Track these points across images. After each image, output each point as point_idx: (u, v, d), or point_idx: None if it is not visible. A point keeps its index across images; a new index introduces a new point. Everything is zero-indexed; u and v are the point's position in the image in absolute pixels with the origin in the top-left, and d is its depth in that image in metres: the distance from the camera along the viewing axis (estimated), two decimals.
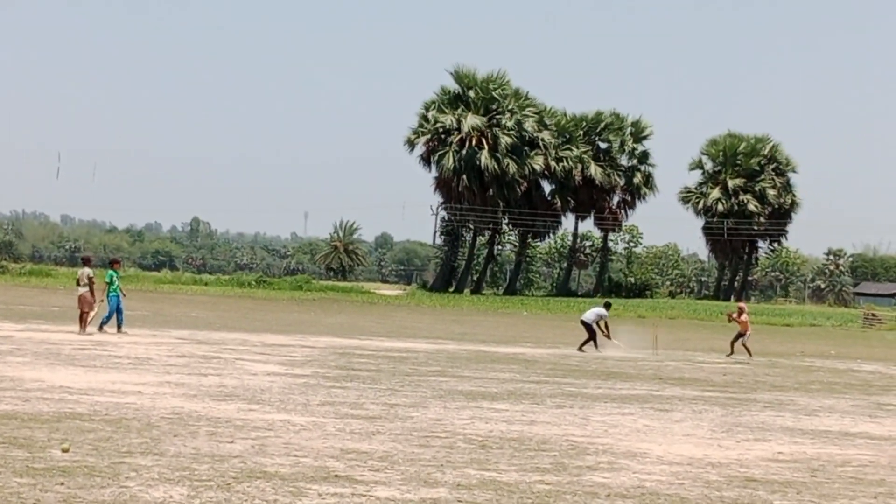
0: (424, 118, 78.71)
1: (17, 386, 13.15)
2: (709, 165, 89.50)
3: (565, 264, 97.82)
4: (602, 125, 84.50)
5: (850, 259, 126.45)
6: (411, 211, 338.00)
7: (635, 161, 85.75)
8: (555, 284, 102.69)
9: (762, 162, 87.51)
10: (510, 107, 78.16)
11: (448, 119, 77.14)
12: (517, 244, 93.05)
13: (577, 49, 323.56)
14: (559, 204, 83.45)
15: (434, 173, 79.08)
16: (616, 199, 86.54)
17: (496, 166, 76.08)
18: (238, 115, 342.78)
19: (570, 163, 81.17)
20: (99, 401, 12.15)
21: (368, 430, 10.89)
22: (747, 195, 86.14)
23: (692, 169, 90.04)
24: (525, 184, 79.29)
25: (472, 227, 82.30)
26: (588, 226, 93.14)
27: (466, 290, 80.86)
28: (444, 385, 16.28)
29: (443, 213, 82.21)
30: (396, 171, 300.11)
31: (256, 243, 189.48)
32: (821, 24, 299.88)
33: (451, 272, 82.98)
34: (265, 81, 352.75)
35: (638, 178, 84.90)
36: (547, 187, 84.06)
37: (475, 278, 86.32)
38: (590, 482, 8.64)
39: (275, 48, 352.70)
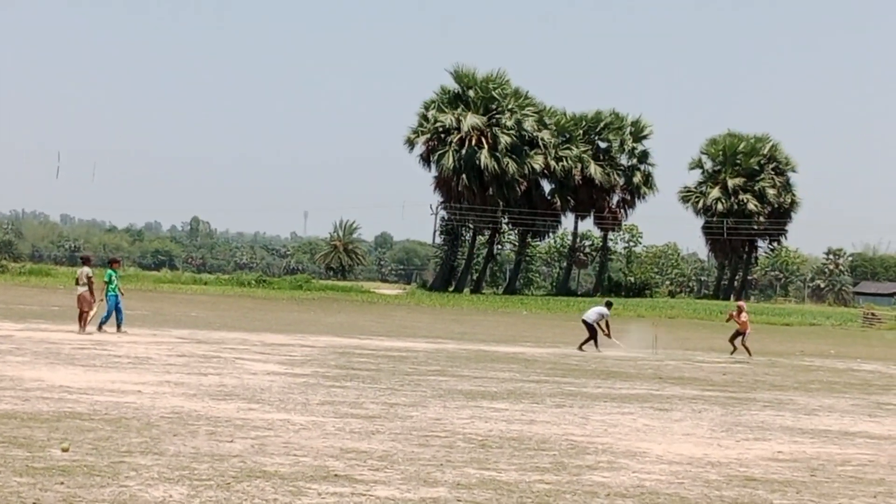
0: (424, 118, 78.69)
1: (17, 385, 13.15)
2: (708, 165, 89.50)
3: (565, 264, 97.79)
4: (602, 125, 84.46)
5: (850, 258, 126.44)
6: (411, 210, 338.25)
7: (635, 160, 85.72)
8: (554, 284, 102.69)
9: (762, 161, 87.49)
10: (510, 106, 78.13)
11: (448, 118, 77.12)
12: (517, 243, 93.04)
13: (577, 49, 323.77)
14: (559, 203, 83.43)
15: (434, 173, 79.11)
16: (616, 199, 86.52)
17: (496, 166, 76.07)
18: (238, 115, 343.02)
19: (570, 162, 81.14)
20: (98, 400, 12.15)
21: (368, 430, 10.89)
22: (747, 194, 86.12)
23: (692, 168, 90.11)
24: (525, 183, 79.27)
25: (471, 226, 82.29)
26: (588, 225, 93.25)
27: (466, 290, 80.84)
28: (443, 384, 16.28)
29: (442, 213, 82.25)
30: (396, 171, 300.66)
31: (256, 243, 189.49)
32: (821, 24, 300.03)
33: (451, 271, 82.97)
34: (265, 81, 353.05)
35: (638, 178, 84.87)
36: (547, 187, 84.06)
37: (475, 278, 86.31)
38: (589, 481, 8.64)
39: (275, 48, 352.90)
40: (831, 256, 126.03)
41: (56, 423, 10.21)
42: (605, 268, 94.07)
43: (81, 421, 10.49)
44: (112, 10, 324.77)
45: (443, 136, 77.49)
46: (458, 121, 76.92)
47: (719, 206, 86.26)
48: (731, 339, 28.44)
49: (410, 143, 78.91)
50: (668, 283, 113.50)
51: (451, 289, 79.53)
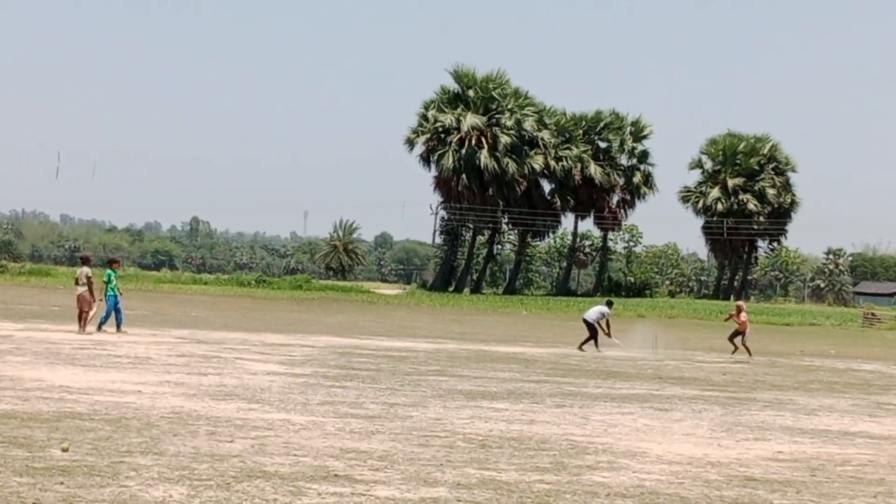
0: (424, 117, 78.69)
1: (17, 385, 13.15)
2: (708, 165, 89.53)
3: (565, 264, 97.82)
4: (602, 124, 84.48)
5: (850, 258, 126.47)
6: (411, 210, 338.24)
7: (635, 160, 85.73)
8: (554, 284, 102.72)
9: (762, 161, 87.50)
10: (510, 106, 78.13)
11: (448, 118, 77.12)
12: (517, 243, 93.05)
13: (577, 49, 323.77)
14: (559, 203, 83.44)
15: (434, 173, 79.15)
16: (616, 199, 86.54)
17: (496, 165, 76.07)
18: (238, 115, 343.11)
19: (570, 162, 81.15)
20: (98, 400, 12.14)
21: (368, 430, 10.89)
22: (747, 194, 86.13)
23: (692, 168, 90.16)
24: (524, 183, 79.28)
25: (471, 226, 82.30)
26: (588, 225, 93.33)
27: (466, 290, 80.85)
28: (443, 384, 16.28)
29: (442, 213, 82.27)
30: (396, 171, 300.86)
31: (256, 243, 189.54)
32: (821, 24, 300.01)
33: (451, 271, 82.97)
34: (265, 81, 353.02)
35: (637, 178, 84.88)
36: (546, 186, 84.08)
37: (475, 278, 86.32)
38: (589, 481, 8.64)
39: (275, 48, 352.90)
40: (831, 256, 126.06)
41: (56, 423, 10.21)
42: (605, 268, 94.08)
43: (81, 421, 10.49)
44: (112, 10, 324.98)
45: (443, 136, 77.50)
46: (458, 121, 76.93)
47: (719, 206, 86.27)
48: (731, 338, 28.48)
49: (410, 143, 78.94)
50: (668, 283, 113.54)
51: (451, 289, 79.54)
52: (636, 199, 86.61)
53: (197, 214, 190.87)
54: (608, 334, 27.10)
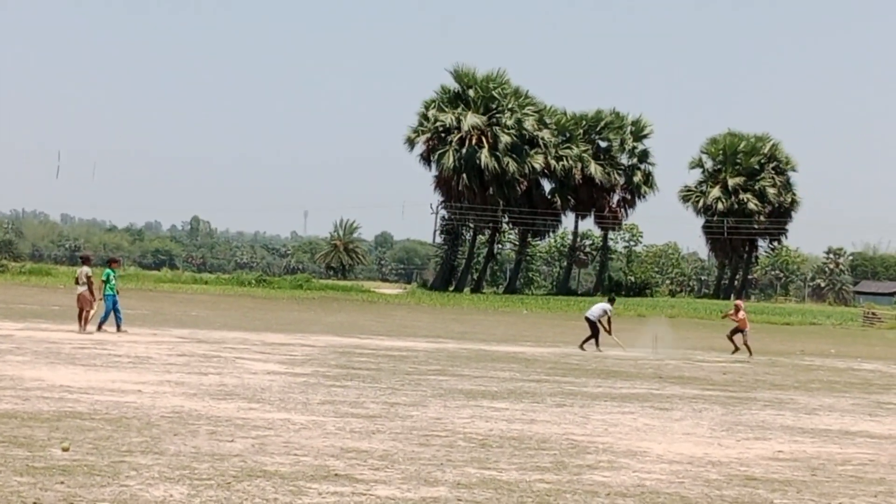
0: (424, 117, 78.68)
1: (17, 385, 13.15)
2: (709, 164, 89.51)
3: (565, 263, 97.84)
4: (602, 124, 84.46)
5: (850, 258, 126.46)
6: (411, 210, 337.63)
7: (635, 160, 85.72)
8: (555, 283, 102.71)
9: (762, 161, 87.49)
10: (510, 105, 78.12)
11: (448, 118, 77.11)
12: (517, 243, 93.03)
13: (577, 49, 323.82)
14: (559, 203, 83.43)
15: (434, 172, 79.14)
16: (616, 198, 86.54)
17: (496, 165, 76.07)
18: (238, 115, 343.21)
19: (570, 161, 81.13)
20: (99, 400, 12.14)
21: (368, 429, 10.89)
22: (747, 194, 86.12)
23: (692, 168, 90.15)
24: (525, 182, 79.27)
25: (472, 225, 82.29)
26: (588, 224, 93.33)
27: (466, 289, 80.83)
28: (444, 384, 16.28)
29: (443, 212, 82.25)
30: (396, 170, 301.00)
31: (256, 242, 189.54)
32: (821, 24, 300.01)
33: (451, 271, 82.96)
34: (265, 81, 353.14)
35: (638, 177, 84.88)
36: (547, 186, 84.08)
37: (475, 277, 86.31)
38: (590, 481, 8.64)
39: (275, 48, 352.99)
40: (831, 256, 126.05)
41: (56, 423, 10.21)
42: (606, 267, 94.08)
43: (82, 420, 10.49)
44: (112, 10, 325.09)
45: (443, 135, 77.49)
46: (459, 120, 76.91)
47: (719, 206, 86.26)
48: (730, 336, 28.46)
49: (410, 143, 78.93)
50: (668, 282, 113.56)
51: (451, 288, 79.52)
52: (636, 199, 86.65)
53: (197, 214, 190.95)
54: (608, 332, 27.08)
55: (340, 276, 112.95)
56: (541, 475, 8.74)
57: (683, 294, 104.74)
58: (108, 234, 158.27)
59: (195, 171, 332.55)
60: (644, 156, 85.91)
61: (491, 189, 77.94)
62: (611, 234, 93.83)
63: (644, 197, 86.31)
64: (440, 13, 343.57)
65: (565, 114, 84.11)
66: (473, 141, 76.34)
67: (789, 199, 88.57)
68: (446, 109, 77.79)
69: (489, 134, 76.88)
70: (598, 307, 27.83)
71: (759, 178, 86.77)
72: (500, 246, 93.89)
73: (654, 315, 54.98)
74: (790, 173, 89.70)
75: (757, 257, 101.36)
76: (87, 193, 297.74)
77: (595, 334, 27.05)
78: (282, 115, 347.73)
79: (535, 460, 9.48)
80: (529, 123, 78.05)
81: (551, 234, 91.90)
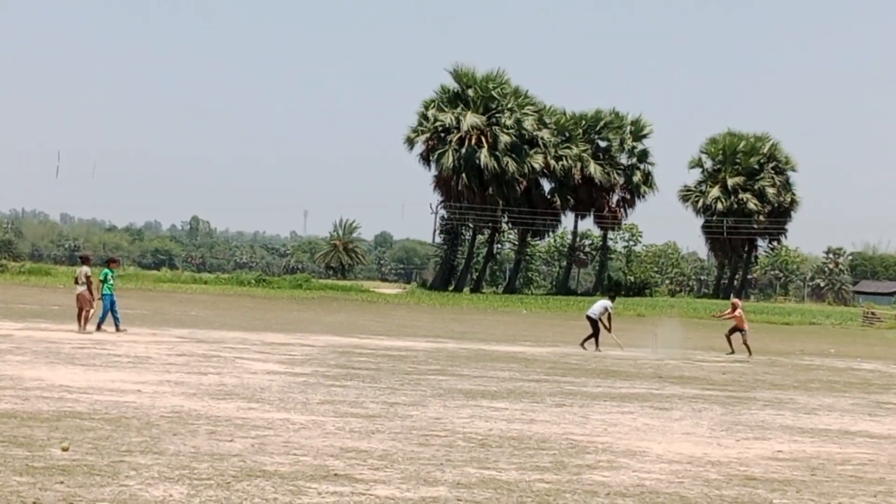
0: (424, 117, 78.67)
1: (17, 385, 13.15)
2: (708, 164, 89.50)
3: (565, 263, 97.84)
4: (602, 124, 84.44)
5: (850, 257, 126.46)
6: (411, 209, 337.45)
7: (635, 159, 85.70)
8: (554, 283, 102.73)
9: (762, 160, 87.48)
10: (509, 105, 78.11)
11: (447, 118, 77.10)
12: (517, 243, 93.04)
13: (577, 49, 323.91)
14: (559, 202, 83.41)
15: (433, 172, 79.13)
16: (616, 198, 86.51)
17: (496, 165, 76.06)
18: (238, 115, 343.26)
19: (570, 161, 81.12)
20: (98, 399, 12.14)
21: (368, 429, 10.88)
22: (747, 194, 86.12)
23: (692, 167, 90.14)
24: (524, 182, 79.26)
25: (471, 225, 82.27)
26: (588, 224, 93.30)
27: (466, 289, 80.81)
28: (443, 384, 16.27)
29: (442, 212, 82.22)
30: (396, 170, 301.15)
31: (256, 242, 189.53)
32: (821, 24, 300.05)
33: (451, 271, 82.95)
34: (265, 81, 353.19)
35: (637, 177, 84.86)
36: (546, 186, 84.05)
37: (475, 277, 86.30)
38: (589, 481, 8.64)
39: (275, 48, 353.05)
40: (831, 255, 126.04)
41: (56, 423, 10.21)
42: (605, 267, 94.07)
43: (81, 420, 10.49)
44: (112, 10, 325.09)
45: (442, 135, 77.49)
46: (458, 120, 76.90)
47: (719, 206, 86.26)
48: (729, 336, 28.44)
49: (410, 143, 78.93)
50: (667, 282, 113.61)
51: (450, 288, 79.51)
52: (636, 199, 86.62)
53: (197, 214, 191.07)
54: (608, 329, 27.09)
55: (340, 276, 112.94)
56: (540, 475, 8.74)
57: (683, 294, 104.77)
58: (107, 234, 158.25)
59: (195, 171, 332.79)
60: (643, 156, 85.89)
61: (490, 189, 77.94)
62: (610, 234, 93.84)
63: (643, 197, 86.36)
64: (440, 13, 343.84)
65: (565, 114, 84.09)
66: (473, 141, 76.34)
67: (789, 199, 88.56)
68: (446, 109, 77.78)
69: (489, 134, 76.87)
70: (600, 304, 27.87)
71: (758, 177, 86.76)
72: (499, 246, 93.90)
73: (653, 315, 54.98)
74: (790, 173, 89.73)
75: (756, 257, 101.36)
76: (87, 193, 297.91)
77: (596, 333, 27.06)
78: (282, 114, 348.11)
79: (534, 460, 9.48)
80: (529, 123, 78.04)
81: (551, 233, 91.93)
